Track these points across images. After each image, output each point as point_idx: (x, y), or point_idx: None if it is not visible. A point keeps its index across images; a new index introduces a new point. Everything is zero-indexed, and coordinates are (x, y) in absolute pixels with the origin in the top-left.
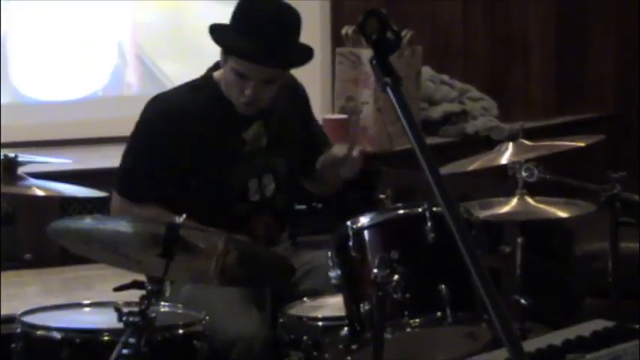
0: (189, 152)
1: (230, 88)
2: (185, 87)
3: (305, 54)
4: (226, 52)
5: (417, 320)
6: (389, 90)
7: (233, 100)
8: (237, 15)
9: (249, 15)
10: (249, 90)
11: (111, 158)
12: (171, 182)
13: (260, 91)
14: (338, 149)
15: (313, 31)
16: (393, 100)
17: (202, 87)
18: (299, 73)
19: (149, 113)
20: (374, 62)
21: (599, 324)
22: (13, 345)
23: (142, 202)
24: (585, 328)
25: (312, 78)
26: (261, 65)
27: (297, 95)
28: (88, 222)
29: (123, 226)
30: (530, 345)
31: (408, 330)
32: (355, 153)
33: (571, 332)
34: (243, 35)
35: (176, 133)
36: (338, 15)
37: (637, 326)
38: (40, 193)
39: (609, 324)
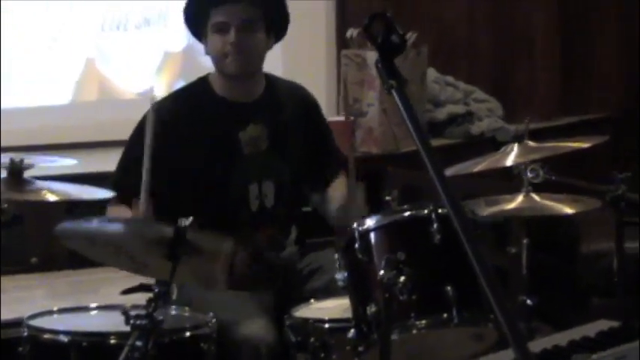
0: (184, 154)
1: (216, 50)
2: (180, 90)
3: None
4: (202, 5)
5: (424, 321)
6: (394, 92)
7: (221, 62)
8: None
9: None
10: (232, 37)
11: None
12: (169, 186)
13: (242, 37)
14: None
15: (318, 33)
16: (399, 103)
17: (196, 88)
18: (305, 75)
19: (144, 117)
20: (379, 65)
21: (604, 324)
22: (21, 349)
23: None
24: (590, 329)
25: (317, 80)
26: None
27: (307, 106)
28: (95, 223)
29: (129, 228)
30: (536, 345)
31: (415, 331)
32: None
33: (576, 333)
34: None
35: (168, 135)
36: (343, 17)
37: None
38: (48, 196)
39: (614, 324)
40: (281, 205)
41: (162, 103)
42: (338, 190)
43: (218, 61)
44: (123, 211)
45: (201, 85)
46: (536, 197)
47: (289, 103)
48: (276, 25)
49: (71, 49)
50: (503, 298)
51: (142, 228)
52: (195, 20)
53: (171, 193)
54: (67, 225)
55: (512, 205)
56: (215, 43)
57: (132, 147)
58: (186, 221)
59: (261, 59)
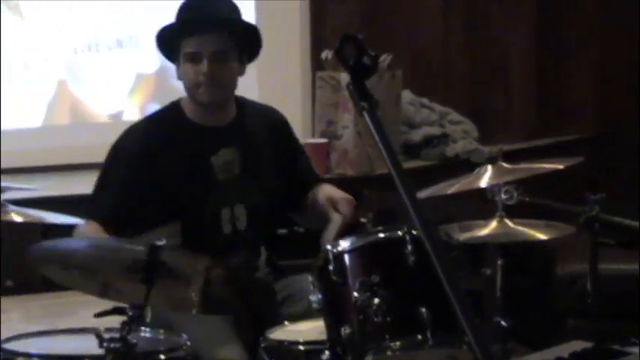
0: (155, 179)
1: (188, 79)
2: (152, 116)
3: (239, 14)
4: (174, 34)
5: (398, 343)
6: (365, 114)
7: (194, 92)
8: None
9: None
10: (204, 67)
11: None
12: (139, 211)
13: (214, 68)
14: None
15: (293, 55)
16: (370, 125)
17: (168, 113)
18: (279, 97)
19: (115, 144)
20: (350, 87)
21: (578, 345)
22: None
23: (102, 222)
24: (564, 349)
25: (292, 101)
26: (203, 25)
27: (279, 128)
28: (69, 243)
29: (102, 252)
30: None
31: (389, 353)
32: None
33: (550, 353)
34: (179, 17)
35: (140, 162)
36: (318, 39)
37: (616, 346)
38: (19, 219)
39: (588, 345)
40: (253, 227)
41: (135, 130)
42: (320, 185)
43: (190, 89)
44: (95, 231)
45: (173, 110)
46: (509, 223)
47: (260, 125)
48: (249, 51)
49: (43, 71)
50: (475, 320)
51: (116, 249)
52: (168, 47)
53: (142, 218)
54: (41, 246)
55: (486, 231)
56: (187, 72)
57: (105, 173)
58: (160, 242)
59: (234, 87)
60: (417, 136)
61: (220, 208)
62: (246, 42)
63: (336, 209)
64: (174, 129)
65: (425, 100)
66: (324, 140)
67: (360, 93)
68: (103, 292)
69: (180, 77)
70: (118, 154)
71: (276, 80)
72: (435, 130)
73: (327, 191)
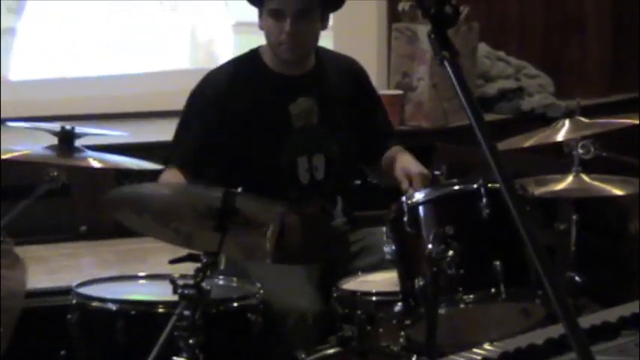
0: (233, 126)
1: (271, 35)
2: (232, 62)
3: None
4: None
5: (471, 296)
6: (446, 64)
7: (275, 48)
8: None
9: None
10: (287, 26)
11: (166, 132)
12: (218, 158)
13: (298, 27)
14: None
15: (369, 7)
16: (451, 74)
17: (248, 60)
18: (355, 48)
19: (195, 89)
20: (432, 36)
21: None
22: (69, 316)
23: (182, 168)
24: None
25: (368, 53)
26: None
27: (358, 80)
28: (143, 189)
29: (177, 197)
30: (585, 322)
31: (462, 306)
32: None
33: (626, 309)
34: None
35: (219, 107)
36: None
37: None
38: (96, 164)
39: None
40: (331, 178)
41: (214, 76)
42: (395, 149)
43: (272, 46)
44: (175, 177)
45: (252, 58)
46: (585, 178)
47: (339, 75)
48: (331, 6)
49: (122, 20)
50: (554, 274)
51: (191, 195)
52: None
53: (221, 165)
54: (117, 191)
55: (561, 186)
56: (270, 28)
57: (184, 119)
58: (237, 189)
59: (315, 43)
60: (492, 89)
61: (296, 156)
62: None
63: (411, 183)
64: (253, 76)
65: (501, 54)
66: (399, 92)
67: (441, 42)
68: (177, 239)
69: (261, 27)
70: (197, 99)
71: (352, 31)
72: (511, 84)
73: (405, 162)
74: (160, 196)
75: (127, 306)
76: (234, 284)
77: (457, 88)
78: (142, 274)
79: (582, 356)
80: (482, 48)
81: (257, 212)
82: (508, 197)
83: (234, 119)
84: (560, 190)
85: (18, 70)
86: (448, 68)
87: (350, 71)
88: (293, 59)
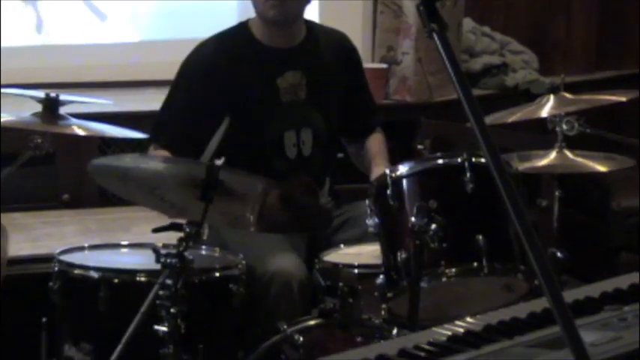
0: (221, 99)
1: None
2: (220, 34)
3: None
4: None
5: (454, 270)
6: (435, 36)
7: (261, 8)
8: None
9: None
10: None
11: (151, 102)
12: (206, 131)
13: None
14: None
15: None
16: (439, 47)
17: (235, 33)
18: (340, 22)
19: (182, 64)
20: (420, 8)
21: (636, 277)
22: (51, 283)
23: (168, 148)
24: (623, 281)
25: (353, 27)
26: None
27: (348, 56)
28: (128, 160)
29: (161, 166)
30: (568, 296)
31: (444, 279)
32: None
33: (608, 285)
34: None
35: (206, 81)
36: None
37: None
38: (80, 132)
39: None
40: (318, 153)
41: (201, 48)
42: (376, 145)
43: (258, 5)
44: (162, 154)
45: (241, 30)
46: (569, 154)
47: (330, 50)
48: None
49: None
50: (540, 248)
51: (175, 166)
52: None
53: (207, 138)
54: (100, 161)
55: (545, 162)
56: None
57: (171, 97)
58: (219, 161)
59: (301, 5)
60: (476, 64)
61: (283, 130)
62: None
63: None
64: (241, 48)
65: (486, 29)
66: (383, 66)
67: (430, 15)
68: (161, 206)
69: None
70: (183, 75)
71: (338, 5)
72: (495, 59)
73: (375, 167)
74: (143, 164)
75: (109, 274)
76: (217, 254)
77: (445, 61)
78: (124, 242)
79: (566, 330)
80: (468, 23)
81: (239, 185)
82: (495, 172)
83: (221, 93)
84: (544, 166)
85: (2, 38)
86: (437, 41)
87: (341, 47)
88: (279, 17)
